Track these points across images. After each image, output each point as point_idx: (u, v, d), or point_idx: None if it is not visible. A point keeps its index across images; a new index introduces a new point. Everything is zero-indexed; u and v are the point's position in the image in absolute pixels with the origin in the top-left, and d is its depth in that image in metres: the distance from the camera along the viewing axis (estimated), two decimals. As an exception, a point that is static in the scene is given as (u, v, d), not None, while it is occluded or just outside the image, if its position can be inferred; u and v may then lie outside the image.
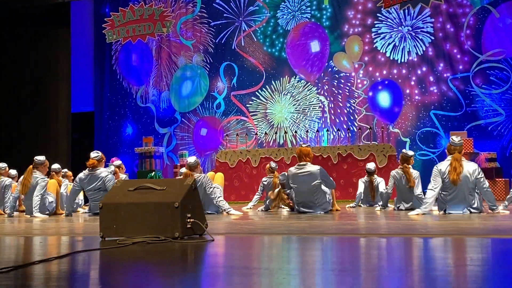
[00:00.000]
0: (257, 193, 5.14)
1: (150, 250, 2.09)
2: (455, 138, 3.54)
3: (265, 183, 4.83)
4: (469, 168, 3.33)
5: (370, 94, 8.03)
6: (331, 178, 4.23)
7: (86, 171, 4.38)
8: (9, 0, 9.31)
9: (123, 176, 5.84)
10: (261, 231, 3.14)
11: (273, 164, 4.98)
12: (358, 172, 6.32)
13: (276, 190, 4.48)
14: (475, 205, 3.36)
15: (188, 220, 2.45)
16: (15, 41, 9.79)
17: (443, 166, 3.40)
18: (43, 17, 9.76)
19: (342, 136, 7.67)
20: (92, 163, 4.35)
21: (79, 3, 9.93)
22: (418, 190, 3.99)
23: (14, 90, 9.53)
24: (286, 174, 4.30)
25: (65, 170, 6.07)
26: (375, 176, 5.04)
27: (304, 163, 4.00)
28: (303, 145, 4.32)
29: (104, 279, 1.44)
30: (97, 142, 9.38)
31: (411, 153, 4.52)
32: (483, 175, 3.36)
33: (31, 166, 4.60)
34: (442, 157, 5.59)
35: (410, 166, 4.29)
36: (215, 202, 4.14)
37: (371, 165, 5.12)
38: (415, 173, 4.12)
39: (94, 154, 4.43)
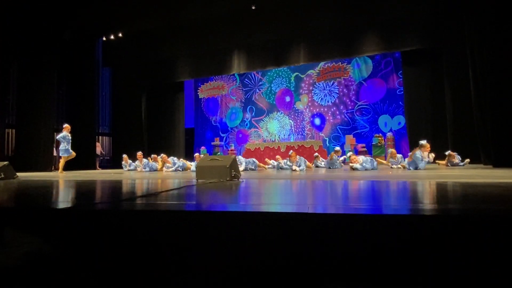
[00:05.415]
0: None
1: (217, 184, 3.31)
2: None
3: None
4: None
5: (311, 119, 15.88)
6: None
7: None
8: (157, 81, 14.12)
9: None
10: (263, 177, 4.69)
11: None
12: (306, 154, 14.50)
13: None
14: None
15: (232, 173, 3.77)
16: (159, 105, 14.82)
17: None
18: (172, 89, 15.20)
19: (299, 137, 16.20)
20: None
21: (187, 82, 15.91)
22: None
23: (154, 122, 14.65)
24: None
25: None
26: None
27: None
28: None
29: (199, 195, 2.51)
30: (196, 140, 17.19)
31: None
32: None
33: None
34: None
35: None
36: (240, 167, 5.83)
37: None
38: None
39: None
